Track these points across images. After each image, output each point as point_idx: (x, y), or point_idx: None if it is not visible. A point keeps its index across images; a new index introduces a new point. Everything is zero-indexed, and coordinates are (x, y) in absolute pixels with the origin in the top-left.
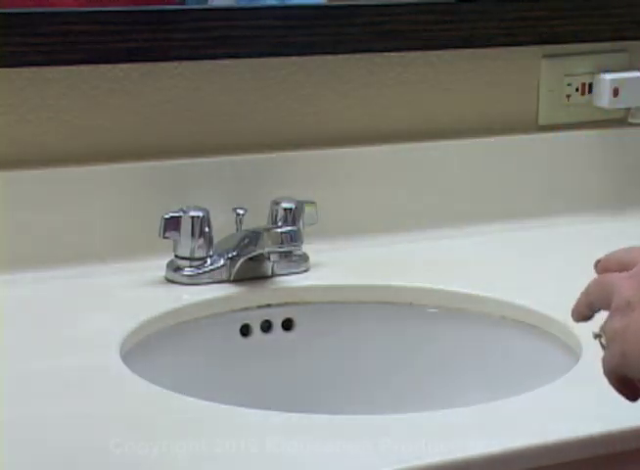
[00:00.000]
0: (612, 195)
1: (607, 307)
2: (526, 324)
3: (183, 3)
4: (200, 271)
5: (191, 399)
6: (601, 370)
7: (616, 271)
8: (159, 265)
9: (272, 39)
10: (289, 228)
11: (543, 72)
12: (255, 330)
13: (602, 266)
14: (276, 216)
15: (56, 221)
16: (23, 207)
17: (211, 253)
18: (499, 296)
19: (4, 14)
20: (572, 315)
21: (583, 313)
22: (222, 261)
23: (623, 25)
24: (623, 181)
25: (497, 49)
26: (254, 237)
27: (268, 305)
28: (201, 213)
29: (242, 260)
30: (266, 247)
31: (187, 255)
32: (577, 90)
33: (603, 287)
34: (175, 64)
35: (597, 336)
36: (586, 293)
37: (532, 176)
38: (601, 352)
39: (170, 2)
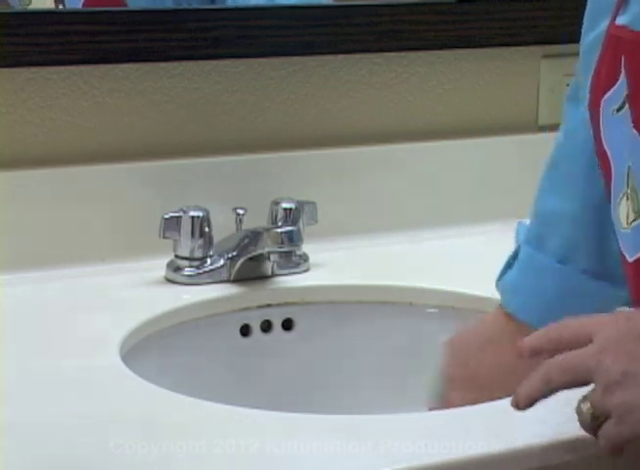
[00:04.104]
0: None
1: (577, 387)
2: None
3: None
4: (200, 271)
5: (191, 398)
6: None
7: (557, 351)
8: (159, 265)
9: (272, 39)
10: (289, 228)
11: (543, 72)
12: (255, 330)
13: (535, 348)
14: (276, 216)
15: (56, 221)
16: (23, 207)
17: (211, 253)
18: (499, 296)
19: (4, 14)
20: (522, 402)
21: (536, 400)
22: (222, 261)
23: None
24: None
25: (497, 49)
26: (254, 237)
27: (268, 305)
28: (201, 213)
29: (242, 260)
30: (266, 247)
31: (187, 255)
32: None
33: (571, 369)
34: (175, 64)
35: (590, 411)
36: (546, 380)
37: (532, 176)
38: None
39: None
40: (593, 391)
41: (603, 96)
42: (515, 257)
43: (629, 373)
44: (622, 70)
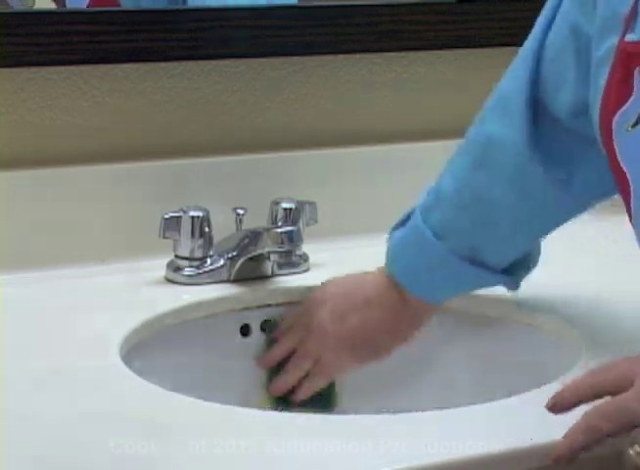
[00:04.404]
0: None
1: (623, 433)
2: (527, 324)
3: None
4: (200, 271)
5: (191, 398)
6: None
7: (591, 397)
8: (159, 265)
9: (272, 39)
10: (289, 228)
11: None
12: (255, 330)
13: (574, 397)
14: (276, 216)
15: (56, 221)
16: (24, 207)
17: (211, 253)
18: (499, 295)
19: (4, 14)
20: (565, 456)
21: (578, 451)
22: (222, 261)
23: None
24: None
25: (497, 49)
26: (254, 237)
27: (268, 305)
28: (201, 213)
29: (242, 260)
30: (266, 247)
31: (187, 255)
32: None
33: (616, 415)
34: (175, 64)
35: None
36: (588, 428)
37: None
38: None
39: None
40: None
41: (615, 114)
42: (409, 217)
43: None
44: (636, 84)
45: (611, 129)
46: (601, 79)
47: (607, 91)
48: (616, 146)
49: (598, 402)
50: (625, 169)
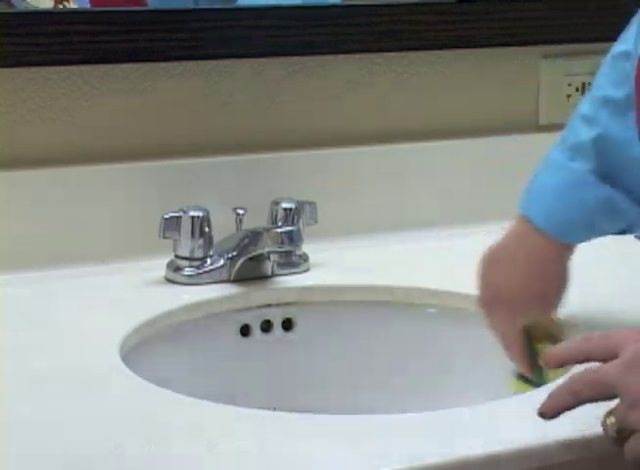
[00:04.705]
0: None
1: (604, 400)
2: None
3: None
4: (200, 271)
5: (191, 398)
6: None
7: (581, 361)
8: (159, 265)
9: (272, 39)
10: (289, 228)
11: (543, 72)
12: (255, 330)
13: (562, 359)
14: (276, 216)
15: (56, 221)
16: (24, 207)
17: (211, 253)
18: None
19: (4, 14)
20: (549, 414)
21: (561, 411)
22: (222, 261)
23: (623, 25)
24: None
25: (497, 49)
26: (254, 237)
27: (268, 305)
28: (201, 213)
29: (242, 260)
30: (266, 247)
31: (187, 255)
32: (577, 90)
33: (596, 384)
34: (175, 64)
35: (615, 427)
36: (572, 393)
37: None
38: None
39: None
40: (618, 406)
41: None
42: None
43: None
44: None
45: None
46: None
47: None
48: None
49: (586, 366)
50: None
